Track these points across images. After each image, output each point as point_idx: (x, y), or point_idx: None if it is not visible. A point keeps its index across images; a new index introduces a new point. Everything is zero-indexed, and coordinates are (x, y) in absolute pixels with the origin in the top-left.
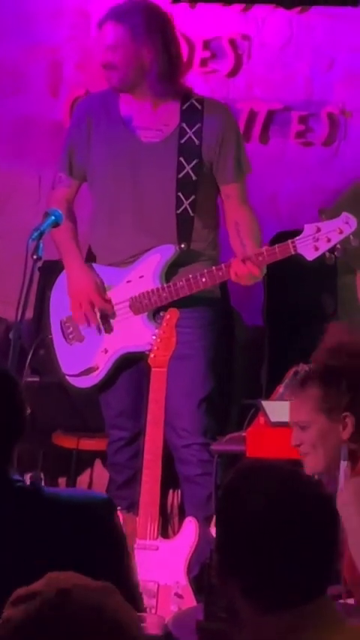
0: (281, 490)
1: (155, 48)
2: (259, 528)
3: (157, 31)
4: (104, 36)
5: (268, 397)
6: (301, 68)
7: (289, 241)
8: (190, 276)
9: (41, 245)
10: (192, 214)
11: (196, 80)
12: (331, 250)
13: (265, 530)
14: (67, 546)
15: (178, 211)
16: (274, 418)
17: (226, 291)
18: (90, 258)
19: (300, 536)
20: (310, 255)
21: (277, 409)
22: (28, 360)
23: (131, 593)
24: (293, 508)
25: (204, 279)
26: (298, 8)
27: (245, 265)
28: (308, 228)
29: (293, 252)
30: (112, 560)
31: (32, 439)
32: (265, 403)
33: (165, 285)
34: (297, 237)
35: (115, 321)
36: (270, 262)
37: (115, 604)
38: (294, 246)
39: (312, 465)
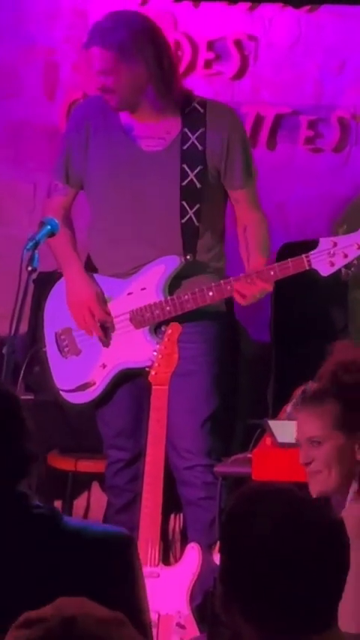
0: (288, 514)
1: (148, 64)
2: (265, 554)
3: (146, 44)
4: (93, 60)
5: (274, 416)
6: (310, 70)
7: (304, 256)
8: (197, 289)
9: (36, 255)
10: (197, 224)
11: (199, 83)
12: (347, 266)
13: (271, 556)
14: (83, 579)
15: (183, 221)
16: (281, 439)
17: (231, 305)
18: (88, 268)
19: (308, 562)
20: (326, 271)
21: (284, 429)
22: (21, 376)
23: (143, 630)
24: (301, 533)
25: (211, 294)
26: (307, 7)
27: (255, 284)
28: (324, 243)
29: (307, 268)
30: (128, 596)
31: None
32: (271, 423)
33: (169, 298)
34: (312, 252)
35: (114, 335)
36: (282, 277)
37: (122, 637)
38: (308, 261)
39: (322, 485)
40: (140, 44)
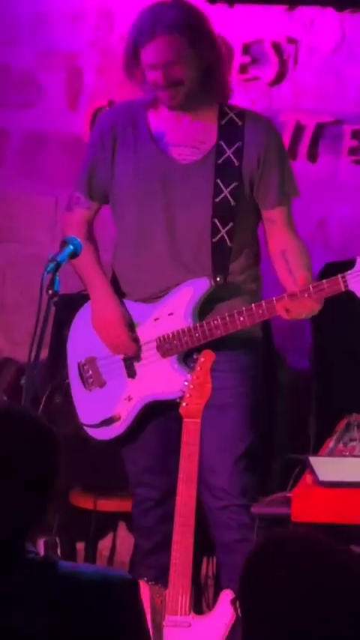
0: (312, 566)
1: (213, 55)
2: (285, 606)
3: (208, 29)
4: (158, 51)
5: (316, 452)
6: (354, 75)
7: (339, 276)
8: (227, 314)
9: (57, 278)
10: (229, 244)
11: (235, 89)
12: None
13: (290, 612)
14: (81, 630)
15: (214, 240)
16: (323, 477)
17: (269, 330)
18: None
19: (335, 620)
20: None
21: (326, 466)
22: (41, 409)
23: None
24: (325, 588)
25: (242, 318)
26: (350, 9)
27: (301, 300)
28: None
29: (343, 289)
30: None
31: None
32: (313, 459)
33: (198, 324)
34: (348, 272)
35: (140, 365)
36: (320, 299)
37: None
38: (344, 282)
39: None
40: (204, 28)
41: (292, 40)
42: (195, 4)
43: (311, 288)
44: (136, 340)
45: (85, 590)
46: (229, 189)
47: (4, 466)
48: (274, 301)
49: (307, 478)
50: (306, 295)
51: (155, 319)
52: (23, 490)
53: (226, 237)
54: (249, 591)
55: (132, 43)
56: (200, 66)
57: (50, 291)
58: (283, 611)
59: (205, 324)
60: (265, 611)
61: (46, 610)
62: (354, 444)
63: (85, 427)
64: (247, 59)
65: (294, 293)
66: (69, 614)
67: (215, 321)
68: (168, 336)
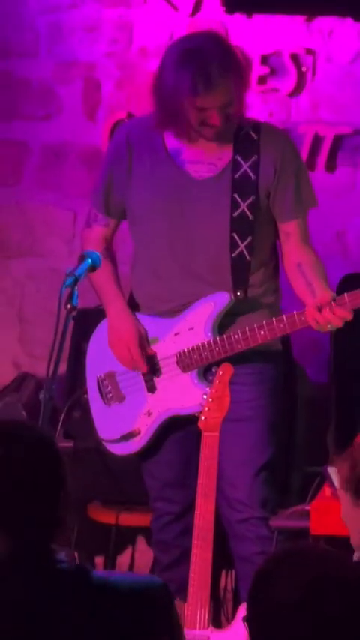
0: (319, 581)
1: (244, 75)
2: (289, 622)
3: (237, 64)
4: (214, 99)
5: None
6: None
7: None
8: (247, 328)
9: (76, 292)
10: (249, 258)
11: (253, 100)
12: None
13: (295, 625)
14: (118, 637)
15: (234, 254)
16: None
17: (288, 343)
18: (130, 305)
19: (337, 632)
20: None
21: None
22: (60, 423)
23: None
24: (329, 600)
25: (263, 333)
26: None
27: (332, 311)
28: None
29: None
30: None
31: (66, 518)
32: (332, 471)
33: (218, 339)
34: None
35: (159, 380)
36: (354, 308)
37: None
38: None
39: None
40: (237, 64)
41: (310, 52)
42: (210, 23)
43: (347, 297)
44: (150, 358)
45: (121, 597)
46: (246, 204)
47: (9, 480)
48: (296, 315)
49: (327, 490)
50: (340, 303)
51: (175, 334)
52: (30, 502)
53: (245, 252)
54: (253, 609)
55: (183, 89)
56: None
57: (69, 306)
58: (287, 630)
59: (225, 339)
60: (270, 628)
61: (84, 620)
62: None
63: (103, 442)
64: (265, 70)
65: (329, 300)
66: (105, 623)
67: (236, 336)
68: (188, 350)
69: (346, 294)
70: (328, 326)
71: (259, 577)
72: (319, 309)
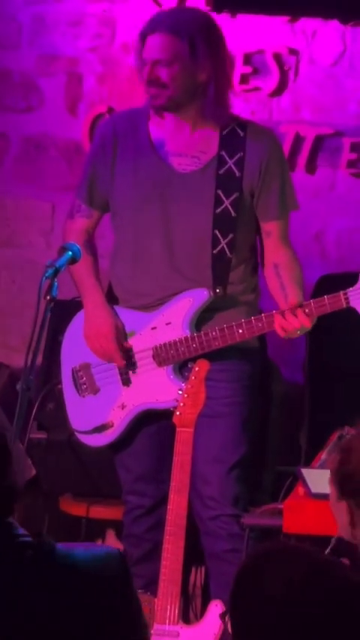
0: (301, 578)
1: (213, 68)
2: (276, 619)
3: (216, 48)
4: (152, 48)
5: (308, 464)
6: (354, 88)
7: (341, 293)
8: (225, 326)
9: (56, 284)
10: (229, 255)
11: (235, 99)
12: None
13: (279, 621)
14: (79, 611)
15: (214, 251)
16: (315, 489)
17: (264, 341)
18: (109, 298)
19: (324, 629)
20: None
21: (318, 479)
22: (34, 414)
23: None
24: (317, 598)
25: (240, 331)
26: (353, 22)
27: (296, 317)
28: None
29: (345, 306)
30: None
31: (36, 504)
32: (305, 471)
33: (195, 335)
34: (350, 289)
35: (135, 373)
36: (318, 315)
37: None
38: (346, 299)
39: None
40: (211, 44)
41: (293, 52)
42: (215, 19)
43: (312, 304)
44: (126, 351)
45: (80, 570)
46: (229, 200)
47: None
48: (274, 315)
49: (299, 489)
50: (307, 310)
51: (152, 328)
52: None
53: (226, 249)
54: (240, 604)
55: (139, 35)
56: (194, 77)
57: (48, 297)
58: (274, 626)
59: (203, 335)
60: (256, 625)
61: (46, 592)
62: None
63: (76, 433)
64: (248, 69)
65: (293, 308)
66: (67, 595)
67: (214, 333)
68: (165, 345)
69: (312, 301)
70: (297, 332)
71: (244, 572)
72: (283, 315)
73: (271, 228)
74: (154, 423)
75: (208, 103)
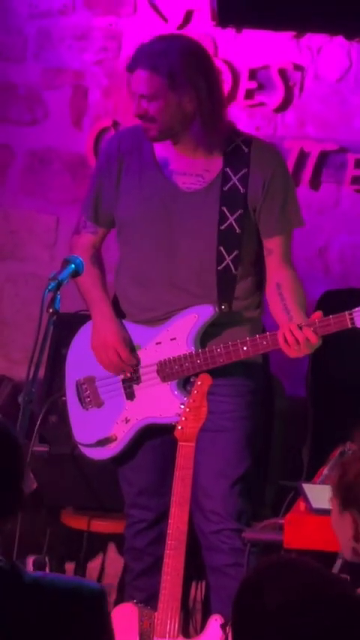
0: (303, 591)
1: (197, 95)
2: (277, 632)
3: (198, 74)
4: (136, 84)
5: (309, 479)
6: (359, 104)
7: (347, 313)
8: (230, 343)
9: (58, 297)
10: (234, 271)
11: (239, 114)
12: None
13: (283, 635)
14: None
15: (219, 268)
16: (316, 504)
17: (266, 357)
18: (115, 312)
19: None
20: None
21: (320, 494)
22: (37, 427)
23: None
24: (316, 612)
25: (245, 348)
26: (359, 38)
27: (300, 330)
28: None
29: (350, 326)
30: None
31: (38, 517)
32: (306, 486)
33: (200, 351)
34: (356, 309)
35: (139, 387)
36: (322, 334)
37: None
38: (351, 319)
39: None
40: (192, 72)
41: (298, 67)
42: (196, 41)
43: (317, 323)
44: (134, 363)
45: (51, 599)
46: (234, 217)
47: None
48: (279, 332)
49: (300, 505)
50: (312, 330)
51: (157, 343)
52: None
53: (231, 266)
54: (242, 617)
55: (125, 68)
56: (181, 108)
57: (51, 310)
58: (276, 638)
59: (207, 352)
60: (257, 638)
61: (10, 619)
62: None
63: (80, 445)
64: (253, 85)
65: (300, 325)
66: (34, 624)
67: (218, 350)
68: (169, 360)
69: (317, 320)
70: (299, 348)
71: (247, 586)
72: (289, 328)
73: (272, 246)
74: (157, 437)
75: (199, 130)
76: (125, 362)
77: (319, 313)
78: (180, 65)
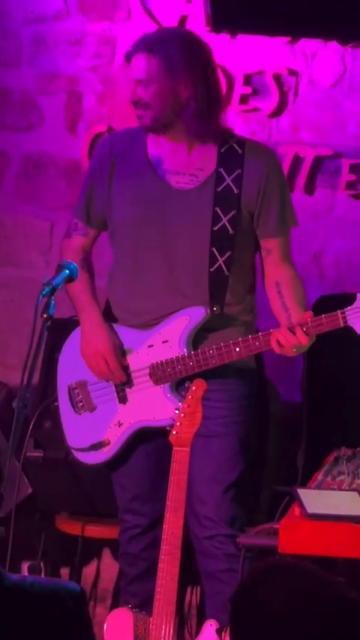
0: (301, 593)
1: (194, 83)
2: (273, 635)
3: (195, 63)
4: (133, 69)
5: (304, 484)
6: (354, 110)
7: (339, 312)
8: (222, 344)
9: (53, 302)
10: (227, 273)
11: (234, 119)
12: None
13: (279, 638)
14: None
15: (212, 269)
16: (311, 509)
17: (261, 361)
18: (107, 316)
19: None
20: None
21: (315, 499)
22: (29, 431)
23: None
24: (314, 613)
25: (238, 349)
26: (353, 43)
27: (294, 334)
28: None
29: (342, 325)
30: None
31: (32, 522)
32: (301, 491)
33: (192, 353)
34: (348, 308)
35: (131, 391)
36: (316, 334)
37: None
38: (344, 318)
39: None
40: (189, 60)
41: (293, 72)
42: (197, 35)
43: (310, 322)
44: (124, 369)
45: (31, 602)
46: (227, 218)
47: None
48: (272, 333)
49: (295, 510)
50: (304, 329)
51: (149, 346)
52: None
53: (223, 267)
54: (239, 620)
55: (124, 57)
56: (176, 94)
57: (45, 315)
58: (274, 620)
59: (200, 354)
60: (256, 639)
61: None
62: (342, 477)
63: (72, 450)
64: (247, 90)
65: (292, 326)
66: (14, 627)
67: (211, 351)
68: (162, 363)
69: (309, 319)
70: (294, 349)
71: (243, 588)
72: (281, 331)
73: (271, 246)
74: (150, 442)
75: (192, 118)
76: (113, 372)
77: (309, 313)
78: (177, 50)
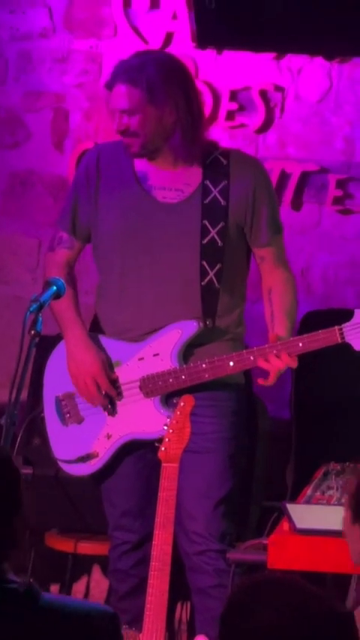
0: (290, 606)
1: (177, 108)
2: None
3: (177, 87)
4: (116, 99)
5: (293, 499)
6: (340, 125)
7: (337, 328)
8: (216, 359)
9: (40, 319)
10: (218, 286)
11: (220, 135)
12: None
13: None
14: None
15: (203, 283)
16: (300, 524)
17: (249, 377)
18: (95, 330)
19: None
20: None
21: (303, 514)
22: (17, 446)
23: None
24: (303, 627)
25: (232, 364)
26: (339, 58)
27: (280, 359)
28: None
29: (340, 341)
30: None
31: (22, 539)
32: (290, 506)
33: (184, 367)
34: (346, 324)
35: (121, 403)
36: (311, 350)
37: None
38: (341, 334)
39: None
40: (170, 85)
41: (279, 88)
42: (175, 56)
43: (306, 338)
44: (115, 381)
45: (66, 622)
46: (216, 230)
47: None
48: (267, 348)
49: (284, 525)
50: (300, 345)
51: (140, 359)
52: None
53: (214, 280)
54: (229, 635)
55: (105, 85)
56: (161, 121)
57: (33, 332)
58: (264, 634)
59: (192, 367)
60: (247, 633)
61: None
62: (331, 492)
63: (59, 462)
64: (234, 106)
65: (287, 342)
66: None
67: (204, 365)
68: (153, 376)
69: (305, 335)
70: (282, 371)
71: (233, 603)
72: (266, 359)
73: (264, 254)
74: (140, 458)
75: (179, 145)
76: (106, 392)
77: (274, 336)
78: (157, 78)
